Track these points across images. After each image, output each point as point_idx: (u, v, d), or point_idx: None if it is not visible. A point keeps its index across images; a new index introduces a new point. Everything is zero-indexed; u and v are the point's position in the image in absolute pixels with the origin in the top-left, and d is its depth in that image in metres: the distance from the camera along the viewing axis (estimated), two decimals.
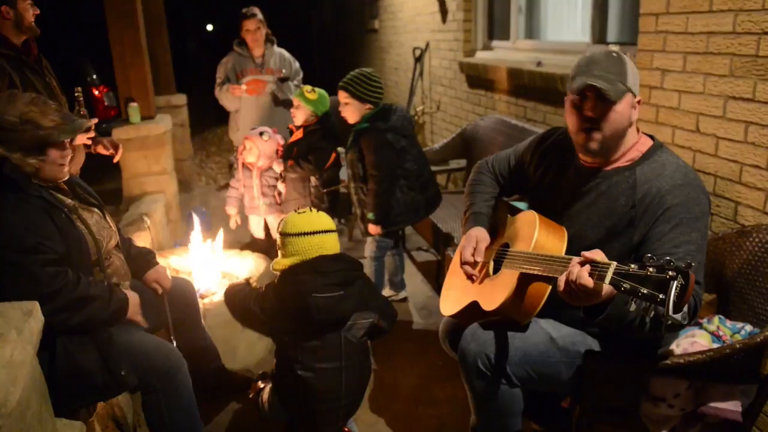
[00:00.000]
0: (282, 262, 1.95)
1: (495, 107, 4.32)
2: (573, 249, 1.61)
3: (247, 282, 2.17)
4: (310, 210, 1.99)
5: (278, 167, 3.64)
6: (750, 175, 2.24)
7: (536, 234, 1.68)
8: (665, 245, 1.35)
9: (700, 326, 1.94)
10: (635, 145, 1.68)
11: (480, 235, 1.90)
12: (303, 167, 3.49)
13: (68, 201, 1.99)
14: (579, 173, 1.73)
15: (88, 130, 2.12)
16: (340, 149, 4.81)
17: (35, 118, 1.85)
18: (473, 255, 1.86)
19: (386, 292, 3.60)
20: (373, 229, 3.13)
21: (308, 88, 3.51)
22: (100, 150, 2.95)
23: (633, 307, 1.27)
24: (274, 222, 3.81)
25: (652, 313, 1.31)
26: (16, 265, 1.77)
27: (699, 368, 1.66)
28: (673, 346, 1.79)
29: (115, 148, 2.97)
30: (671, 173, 1.60)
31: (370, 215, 3.09)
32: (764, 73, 2.13)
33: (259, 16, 4.17)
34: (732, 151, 2.31)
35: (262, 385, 2.29)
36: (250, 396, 2.26)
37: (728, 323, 1.91)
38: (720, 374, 1.70)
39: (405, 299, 3.62)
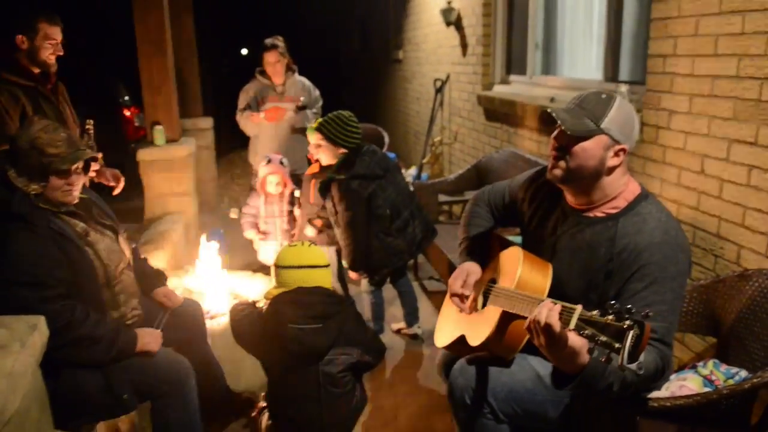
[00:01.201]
0: (271, 292, 2.03)
1: (511, 140, 4.35)
2: (555, 293, 1.61)
3: (254, 304, 2.21)
4: (302, 244, 2.04)
5: (297, 192, 3.68)
6: (753, 219, 2.23)
7: (519, 271, 1.70)
8: (637, 304, 1.33)
9: (695, 370, 1.92)
10: (622, 194, 1.66)
11: (471, 268, 1.92)
12: (319, 203, 3.41)
13: (79, 226, 2.05)
14: (565, 215, 1.74)
15: (93, 161, 2.18)
16: None
17: (41, 145, 1.93)
18: (462, 287, 1.88)
19: (401, 324, 3.54)
20: (353, 275, 3.11)
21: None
22: (103, 181, 3.03)
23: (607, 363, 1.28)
24: None
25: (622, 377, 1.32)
26: (21, 300, 1.81)
27: (686, 412, 1.64)
28: (663, 389, 1.78)
29: (117, 180, 3.05)
30: (651, 229, 1.58)
31: (343, 263, 3.10)
32: (767, 118, 2.14)
33: (281, 48, 4.25)
34: (736, 194, 2.30)
35: (264, 405, 2.32)
36: (253, 415, 2.29)
37: (723, 368, 1.89)
38: (708, 420, 1.68)
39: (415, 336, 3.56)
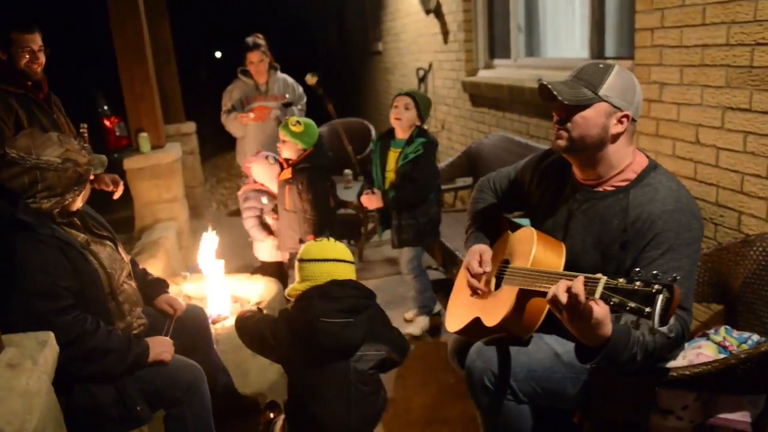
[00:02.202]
0: (295, 288, 1.98)
1: (499, 125, 4.36)
2: (570, 269, 1.62)
3: (258, 308, 2.19)
4: (328, 239, 2.03)
5: (265, 200, 3.63)
6: (751, 185, 2.25)
7: (534, 250, 1.70)
8: (654, 270, 1.35)
9: (707, 337, 1.94)
10: (630, 166, 1.68)
11: (482, 248, 1.92)
12: (296, 210, 3.41)
13: (81, 236, 2.03)
14: (575, 192, 1.75)
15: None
16: (347, 171, 4.88)
17: (74, 157, 1.94)
18: (480, 266, 1.88)
19: (419, 320, 3.55)
20: (372, 200, 3.26)
21: (293, 119, 3.38)
22: (102, 186, 3.00)
23: (629, 333, 1.28)
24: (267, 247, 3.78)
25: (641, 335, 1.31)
26: (32, 311, 1.79)
27: (705, 379, 1.66)
28: (679, 358, 1.80)
29: (116, 184, 3.03)
30: (663, 198, 1.60)
31: (391, 194, 3.20)
32: (759, 84, 2.16)
33: (263, 46, 4.22)
34: (732, 161, 2.32)
35: (272, 416, 2.30)
36: (260, 429, 2.27)
37: (735, 333, 1.91)
38: (727, 385, 1.70)
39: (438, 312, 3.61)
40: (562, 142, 1.65)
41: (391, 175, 3.30)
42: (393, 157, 3.30)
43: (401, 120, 3.25)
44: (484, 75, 4.72)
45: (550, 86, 1.60)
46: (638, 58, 2.76)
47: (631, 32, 2.87)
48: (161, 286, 2.47)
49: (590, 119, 1.60)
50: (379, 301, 2.09)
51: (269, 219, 3.72)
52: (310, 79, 3.87)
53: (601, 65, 1.65)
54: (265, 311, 2.15)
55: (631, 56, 2.87)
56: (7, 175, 1.86)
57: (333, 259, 1.97)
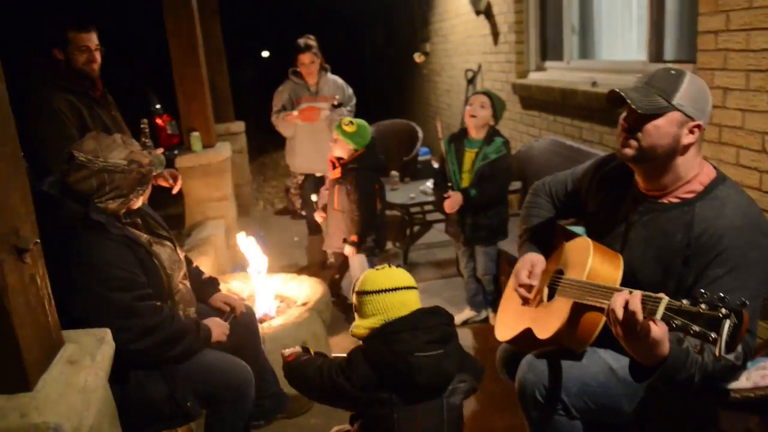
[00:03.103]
0: (362, 325, 1.77)
1: (550, 128, 4.28)
2: (628, 284, 1.56)
3: (306, 349, 1.99)
4: (389, 266, 1.85)
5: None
6: None
7: (590, 262, 1.65)
8: (718, 291, 1.27)
9: None
10: (697, 177, 1.61)
11: (536, 258, 1.88)
12: (344, 210, 3.43)
13: (143, 236, 2.10)
14: (637, 202, 1.69)
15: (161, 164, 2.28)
16: (394, 173, 4.87)
17: (138, 158, 2.00)
18: (529, 278, 1.85)
19: (466, 313, 3.59)
20: (457, 200, 3.25)
21: (347, 120, 3.40)
22: (161, 182, 3.07)
23: (687, 353, 1.22)
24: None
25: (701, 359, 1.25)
26: (116, 302, 1.87)
27: None
28: (742, 379, 1.72)
29: (175, 179, 3.09)
30: (731, 213, 1.53)
31: (472, 191, 3.22)
32: None
33: (314, 48, 4.25)
34: None
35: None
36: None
37: None
38: None
39: (486, 319, 3.61)
40: (630, 151, 1.59)
41: (467, 176, 3.32)
42: (470, 157, 3.32)
43: (476, 117, 3.27)
44: (535, 77, 4.65)
45: (623, 93, 1.55)
46: (701, 62, 2.66)
47: (692, 35, 2.77)
48: (214, 285, 2.52)
49: (662, 128, 1.54)
50: (425, 305, 1.97)
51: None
52: (419, 58, 3.87)
53: (673, 71, 1.58)
54: (311, 351, 1.96)
55: (693, 60, 2.78)
56: (75, 177, 1.92)
57: (404, 287, 1.78)
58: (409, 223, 4.74)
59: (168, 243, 2.21)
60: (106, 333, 1.69)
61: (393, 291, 1.75)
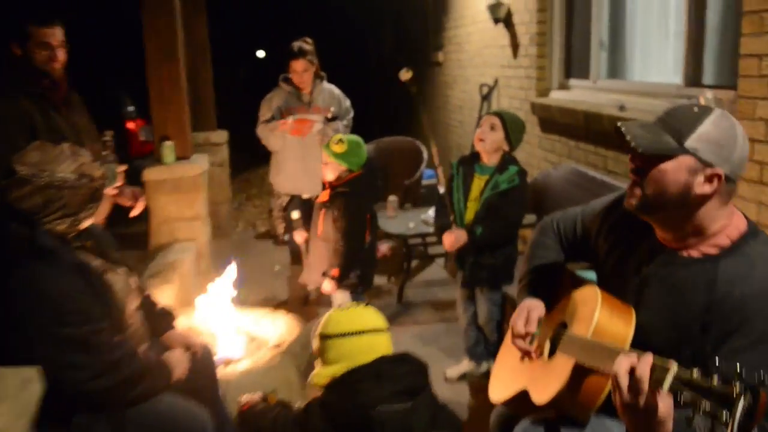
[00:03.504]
0: (324, 374, 1.76)
1: (571, 155, 4.27)
2: (639, 345, 1.52)
3: (265, 398, 2.04)
4: (357, 305, 1.86)
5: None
6: None
7: (596, 316, 1.63)
8: (736, 364, 1.21)
9: None
10: (724, 230, 1.56)
11: (532, 304, 1.86)
12: (327, 239, 3.41)
13: (96, 262, 2.08)
14: (654, 252, 1.66)
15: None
16: (392, 199, 4.86)
17: (88, 170, 1.99)
18: (526, 326, 1.81)
19: (464, 366, 3.53)
20: (461, 238, 3.20)
21: (336, 138, 3.39)
22: (122, 201, 3.03)
23: None
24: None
25: None
26: (70, 338, 1.84)
27: None
28: None
29: (136, 199, 3.06)
30: (761, 275, 1.48)
31: (478, 230, 3.18)
32: None
33: (309, 54, 4.22)
34: None
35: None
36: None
37: None
38: None
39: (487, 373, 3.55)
40: (633, 201, 1.57)
41: (474, 205, 3.29)
42: (478, 184, 3.29)
43: (484, 141, 3.25)
44: (557, 96, 4.66)
45: (623, 128, 1.52)
46: (742, 89, 2.66)
47: (735, 57, 2.77)
48: (169, 318, 2.49)
49: (668, 174, 1.50)
50: (419, 353, 1.96)
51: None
52: (405, 74, 3.89)
53: (696, 109, 1.53)
54: (275, 399, 1.97)
55: (734, 86, 2.77)
56: (17, 194, 1.88)
57: (372, 330, 1.77)
58: (406, 255, 4.72)
59: (121, 270, 2.20)
60: (35, 373, 1.67)
61: (359, 334, 1.75)
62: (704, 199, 1.51)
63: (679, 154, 1.49)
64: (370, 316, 1.81)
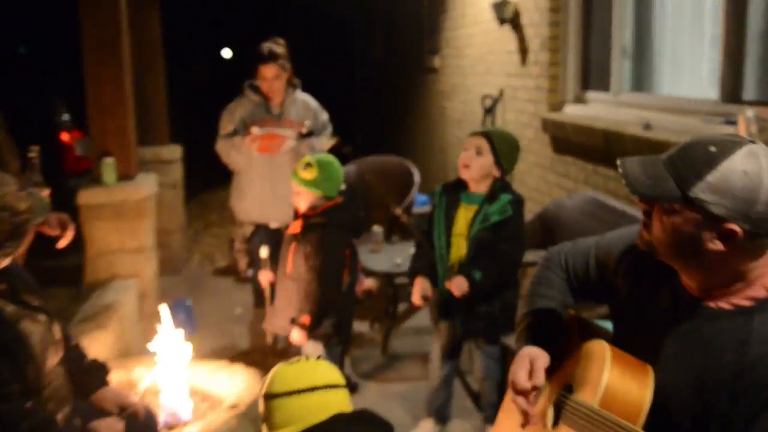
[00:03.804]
0: None
1: (588, 181, 4.30)
2: (657, 413, 1.53)
3: None
4: (306, 359, 1.88)
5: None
6: None
7: (605, 380, 1.61)
8: None
9: None
10: (761, 279, 1.53)
11: (535, 353, 1.82)
12: (297, 278, 3.40)
13: (9, 307, 2.07)
14: (677, 300, 1.65)
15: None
16: (376, 230, 4.86)
17: (11, 202, 1.98)
18: (530, 380, 1.78)
19: (430, 429, 3.45)
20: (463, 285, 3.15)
21: (303, 162, 3.38)
22: (45, 230, 2.98)
23: None
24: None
25: None
26: None
27: None
28: None
29: (64, 227, 3.03)
30: None
31: (477, 274, 3.14)
32: None
33: (281, 58, 4.24)
34: None
35: None
36: None
37: None
38: None
39: None
40: (641, 243, 1.60)
41: (459, 241, 3.27)
42: (464, 216, 3.28)
43: (470, 168, 3.23)
44: (572, 112, 4.70)
45: (619, 162, 1.54)
46: None
47: None
48: (101, 374, 2.46)
49: (671, 225, 1.50)
50: (406, 414, 1.93)
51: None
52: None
53: (712, 148, 1.46)
54: None
55: None
56: None
57: (325, 386, 1.79)
58: (393, 298, 4.70)
59: (42, 317, 2.18)
60: None
61: (309, 391, 1.76)
62: (721, 254, 1.49)
63: (681, 206, 1.48)
64: (322, 371, 1.83)
